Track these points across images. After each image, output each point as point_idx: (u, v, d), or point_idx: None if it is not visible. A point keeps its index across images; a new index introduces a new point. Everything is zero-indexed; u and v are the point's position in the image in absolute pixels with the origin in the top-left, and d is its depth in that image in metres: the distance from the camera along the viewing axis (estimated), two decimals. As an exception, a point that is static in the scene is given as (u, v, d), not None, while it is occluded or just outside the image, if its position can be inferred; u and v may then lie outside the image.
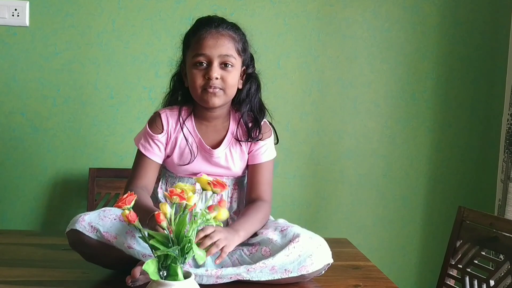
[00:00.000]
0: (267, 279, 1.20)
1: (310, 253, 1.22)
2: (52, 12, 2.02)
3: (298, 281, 1.25)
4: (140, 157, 1.39)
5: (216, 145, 1.39)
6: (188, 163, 1.37)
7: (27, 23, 2.00)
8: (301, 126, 2.17)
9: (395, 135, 2.22)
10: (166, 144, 1.39)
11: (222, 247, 1.16)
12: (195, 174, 1.39)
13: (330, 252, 1.27)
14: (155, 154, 1.38)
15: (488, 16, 2.20)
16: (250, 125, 1.41)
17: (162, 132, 1.38)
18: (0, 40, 2.01)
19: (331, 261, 1.27)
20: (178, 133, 1.38)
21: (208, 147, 1.38)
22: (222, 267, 1.21)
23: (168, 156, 1.39)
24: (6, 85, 2.02)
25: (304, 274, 1.21)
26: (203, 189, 1.08)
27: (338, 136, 2.19)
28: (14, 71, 2.02)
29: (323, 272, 1.26)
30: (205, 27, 1.34)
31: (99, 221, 1.22)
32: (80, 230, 1.21)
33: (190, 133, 1.39)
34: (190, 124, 1.40)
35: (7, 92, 2.02)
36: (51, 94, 2.04)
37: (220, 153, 1.38)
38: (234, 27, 1.38)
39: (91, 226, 1.22)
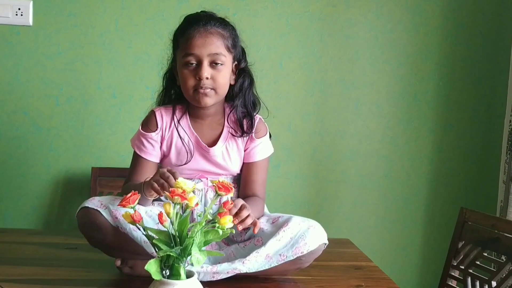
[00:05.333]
0: (264, 268, 1.20)
1: (302, 234, 1.23)
2: (55, 11, 2.02)
3: (297, 267, 1.25)
4: (136, 158, 1.39)
5: (213, 143, 1.38)
6: (186, 163, 1.37)
7: (31, 23, 2.01)
8: (303, 127, 2.17)
9: (397, 136, 2.22)
10: (161, 142, 1.38)
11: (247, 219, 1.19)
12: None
13: (325, 233, 1.28)
14: (150, 154, 1.37)
15: (490, 17, 2.20)
16: (242, 119, 1.40)
17: (156, 130, 1.37)
18: (3, 39, 2.01)
19: (326, 241, 1.27)
20: (173, 132, 1.37)
21: (205, 144, 1.37)
22: (218, 263, 1.21)
23: (165, 156, 1.39)
24: (9, 84, 2.02)
25: (300, 256, 1.22)
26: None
27: (340, 136, 2.19)
28: (17, 70, 2.03)
29: (320, 253, 1.27)
30: (193, 25, 1.32)
31: (109, 201, 1.26)
32: (91, 206, 1.24)
33: (186, 131, 1.38)
34: (185, 122, 1.39)
35: (10, 91, 2.03)
36: (54, 93, 2.05)
37: (217, 151, 1.37)
38: (223, 23, 1.36)
39: (101, 203, 1.25)
